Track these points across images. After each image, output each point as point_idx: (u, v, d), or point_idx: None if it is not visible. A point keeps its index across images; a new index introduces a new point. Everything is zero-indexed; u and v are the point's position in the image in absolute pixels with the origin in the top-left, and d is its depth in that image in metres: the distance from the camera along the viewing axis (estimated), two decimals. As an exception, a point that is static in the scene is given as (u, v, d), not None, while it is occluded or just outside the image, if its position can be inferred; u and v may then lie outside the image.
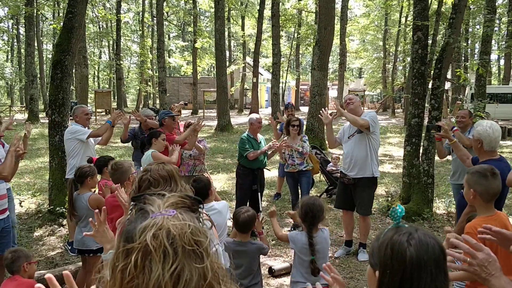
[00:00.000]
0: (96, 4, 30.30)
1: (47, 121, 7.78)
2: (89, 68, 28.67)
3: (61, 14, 32.13)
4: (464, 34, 21.04)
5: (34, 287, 1.21)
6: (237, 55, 47.18)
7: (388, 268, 1.41)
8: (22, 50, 39.68)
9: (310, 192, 7.36)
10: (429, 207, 7.42)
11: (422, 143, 7.70)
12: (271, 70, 27.52)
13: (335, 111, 5.81)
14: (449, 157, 6.30)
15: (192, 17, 36.08)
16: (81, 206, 4.40)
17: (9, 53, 53.47)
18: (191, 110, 34.94)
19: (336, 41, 28.43)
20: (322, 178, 9.30)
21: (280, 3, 26.37)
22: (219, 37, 21.09)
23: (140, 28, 40.78)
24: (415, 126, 7.63)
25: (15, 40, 47.30)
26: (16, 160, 4.12)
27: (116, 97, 35.15)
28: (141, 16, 40.27)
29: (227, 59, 27.49)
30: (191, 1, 34.93)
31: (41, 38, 41.85)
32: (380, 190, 9.46)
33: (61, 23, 8.59)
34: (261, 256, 4.01)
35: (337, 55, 40.07)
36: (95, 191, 4.86)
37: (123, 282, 1.04)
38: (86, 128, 6.15)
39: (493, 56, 40.76)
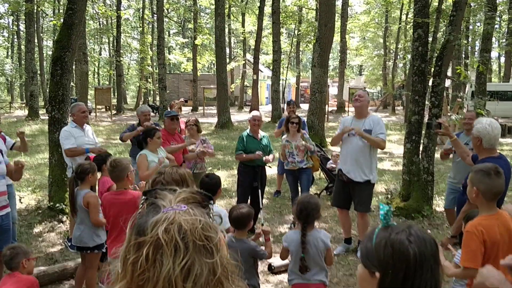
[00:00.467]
0: (96, 1, 30.27)
1: (47, 117, 7.78)
2: (89, 64, 28.64)
3: (61, 11, 32.12)
4: (464, 32, 21.02)
5: None
6: (237, 52, 47.11)
7: (389, 267, 1.40)
8: (22, 47, 39.62)
9: (310, 189, 7.36)
10: (428, 204, 7.42)
11: (422, 141, 7.70)
12: (271, 67, 27.52)
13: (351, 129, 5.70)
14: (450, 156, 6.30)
15: (192, 14, 36.08)
16: (79, 203, 4.41)
17: (9, 50, 53.39)
18: (191, 107, 34.93)
19: (337, 38, 28.41)
20: (322, 175, 9.30)
21: (281, 0, 26.35)
22: (219, 34, 21.07)
23: (140, 24, 40.71)
24: (415, 123, 7.62)
25: (15, 37, 47.19)
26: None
27: (116, 94, 35.15)
28: (141, 12, 40.20)
29: (227, 56, 27.48)
30: (191, -2, 34.91)
31: (41, 34, 41.80)
32: (379, 187, 9.47)
33: (61, 20, 8.58)
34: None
35: (337, 52, 40.09)
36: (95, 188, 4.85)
37: (134, 275, 1.06)
38: (84, 126, 6.15)
39: (494, 54, 40.75)
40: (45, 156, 12.17)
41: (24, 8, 20.82)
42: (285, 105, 9.71)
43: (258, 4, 29.13)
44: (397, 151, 14.34)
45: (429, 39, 8.29)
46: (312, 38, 27.56)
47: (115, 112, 31.40)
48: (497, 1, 17.90)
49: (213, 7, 28.21)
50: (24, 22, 30.00)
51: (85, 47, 23.66)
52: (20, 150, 6.11)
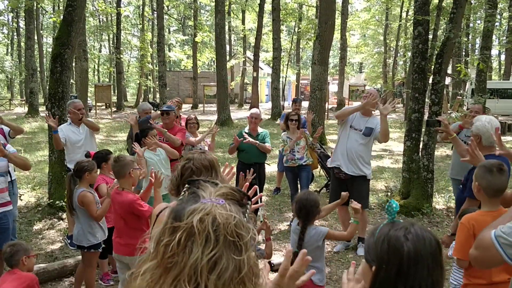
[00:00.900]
0: (96, -2, 30.20)
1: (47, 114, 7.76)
2: (89, 62, 28.60)
3: (61, 8, 32.03)
4: (464, 29, 20.99)
5: None
6: (237, 49, 47.04)
7: (384, 262, 1.42)
8: (22, 44, 39.51)
9: (310, 186, 7.36)
10: (428, 202, 7.43)
11: (422, 138, 7.70)
12: (271, 65, 27.48)
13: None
14: (449, 152, 6.29)
15: (192, 11, 35.96)
16: (75, 202, 4.41)
17: (9, 47, 53.31)
18: (191, 105, 34.90)
19: (337, 35, 28.37)
20: (322, 173, 9.30)
21: (281, -3, 26.29)
22: (220, 31, 21.04)
23: (140, 22, 40.63)
24: (415, 121, 7.62)
25: (15, 34, 47.08)
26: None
27: (116, 91, 35.10)
28: (141, 9, 40.12)
29: (227, 53, 27.44)
30: (192, -5, 34.85)
31: (41, 31, 41.75)
32: (379, 185, 9.47)
33: (61, 17, 8.56)
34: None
35: (337, 49, 40.02)
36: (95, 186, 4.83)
37: (164, 256, 1.11)
38: (80, 123, 6.16)
39: (494, 51, 40.69)
40: (44, 153, 12.18)
41: (23, 5, 20.75)
42: (291, 102, 9.69)
43: (258, 1, 29.05)
44: (397, 148, 14.34)
45: (429, 36, 8.28)
46: (312, 35, 27.51)
47: (115, 109, 31.38)
48: (498, -1, 17.85)
49: (213, 4, 28.15)
50: (24, 19, 29.93)
51: (85, 44, 23.65)
52: (15, 131, 6.01)
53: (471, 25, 29.83)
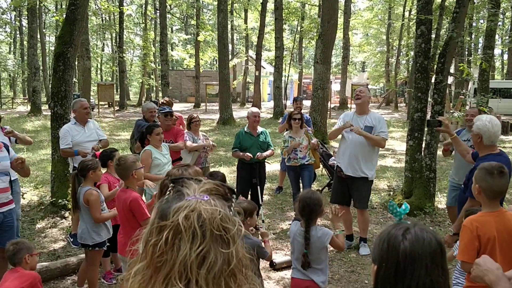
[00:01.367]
0: (99, -4, 30.23)
1: (49, 113, 7.79)
2: (92, 60, 28.68)
3: (63, 6, 32.05)
4: (467, 29, 20.90)
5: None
6: (239, 48, 47.08)
7: (383, 261, 1.44)
8: (25, 42, 39.57)
9: (312, 186, 7.35)
10: (431, 201, 7.43)
11: (424, 138, 7.69)
12: (273, 64, 27.49)
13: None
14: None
15: (195, 10, 35.99)
16: (80, 200, 4.42)
17: (12, 45, 53.34)
18: (194, 104, 34.93)
19: (339, 34, 28.32)
20: (324, 172, 9.30)
21: (283, -4, 26.28)
22: (222, 30, 21.05)
23: (143, 21, 40.67)
24: (417, 120, 7.61)
25: (18, 32, 47.12)
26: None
27: (118, 90, 35.07)
28: (144, 8, 40.17)
29: (229, 53, 27.43)
30: (194, -6, 34.84)
31: (43, 30, 41.74)
32: (382, 184, 9.47)
33: (64, 15, 8.57)
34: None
35: (340, 48, 40.02)
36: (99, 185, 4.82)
37: (153, 256, 1.12)
38: (86, 122, 6.12)
39: (497, 51, 40.48)
40: (47, 152, 12.20)
41: (26, 4, 20.78)
42: (292, 101, 9.68)
43: (261, 0, 29.04)
44: (400, 148, 14.33)
45: (432, 36, 8.26)
46: (315, 34, 27.47)
47: (117, 108, 31.41)
48: (501, -2, 17.80)
49: (215, 3, 28.15)
50: (26, 17, 29.91)
51: (88, 43, 23.67)
52: (24, 144, 6.15)
53: (474, 24, 29.76)
